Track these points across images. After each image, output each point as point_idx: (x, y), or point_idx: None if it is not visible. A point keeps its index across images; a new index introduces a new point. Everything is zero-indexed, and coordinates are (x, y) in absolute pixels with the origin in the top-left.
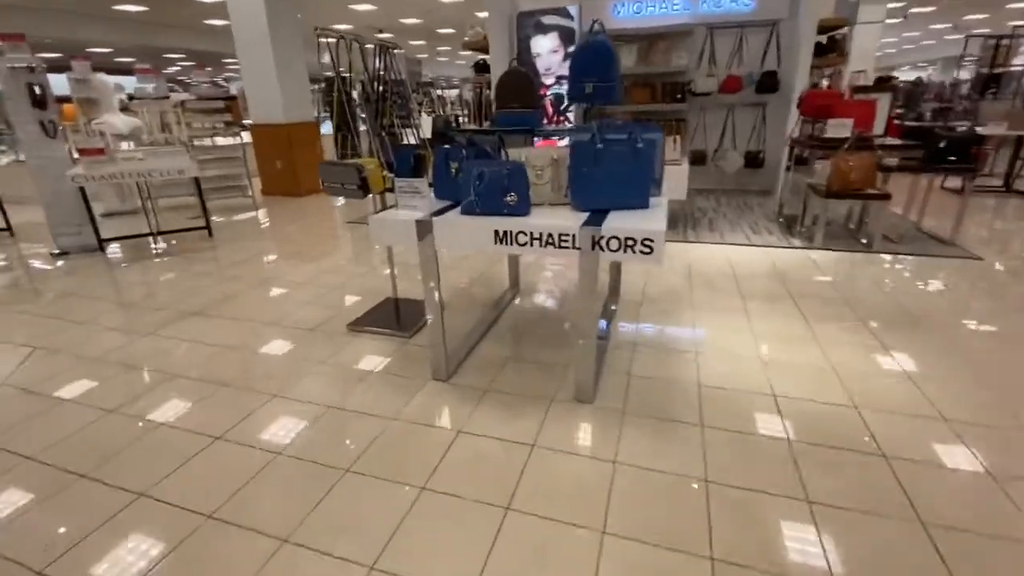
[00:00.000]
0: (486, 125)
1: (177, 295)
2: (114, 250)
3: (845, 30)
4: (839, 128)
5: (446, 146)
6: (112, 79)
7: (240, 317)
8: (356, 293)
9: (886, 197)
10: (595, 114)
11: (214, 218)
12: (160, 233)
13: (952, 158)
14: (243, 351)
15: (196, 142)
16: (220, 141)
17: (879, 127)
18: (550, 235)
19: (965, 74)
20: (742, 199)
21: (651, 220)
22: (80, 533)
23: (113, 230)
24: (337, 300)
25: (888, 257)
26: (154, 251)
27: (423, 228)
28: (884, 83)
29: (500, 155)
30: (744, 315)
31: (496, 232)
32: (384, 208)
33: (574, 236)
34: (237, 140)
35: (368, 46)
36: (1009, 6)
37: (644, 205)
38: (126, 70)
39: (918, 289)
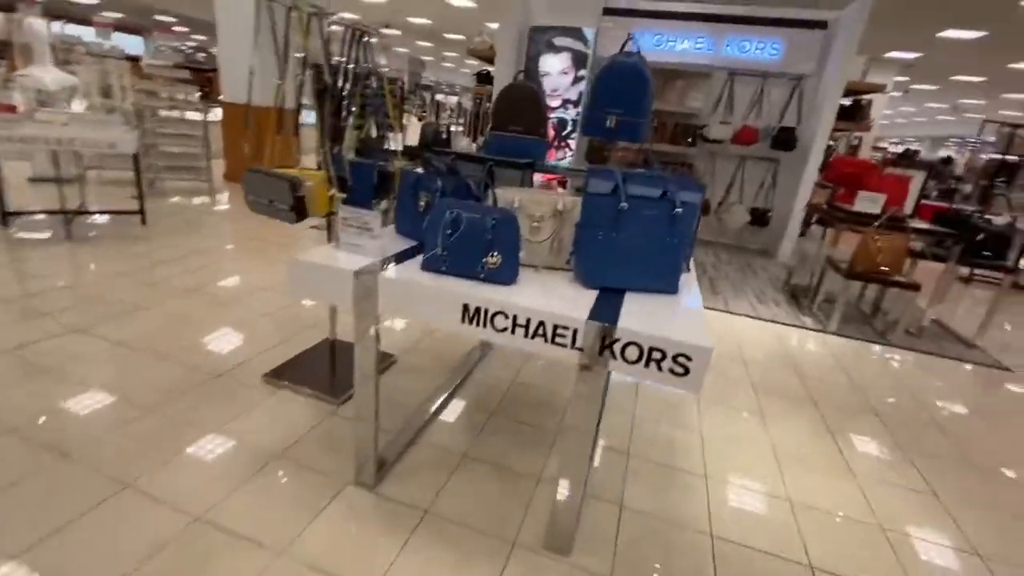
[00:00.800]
0: (475, 148)
1: (69, 299)
2: (22, 225)
3: (871, 97)
4: (870, 202)
5: (417, 170)
6: (64, 28)
7: (134, 342)
8: (291, 326)
9: (915, 288)
10: (597, 147)
11: (158, 201)
12: (81, 213)
13: (987, 253)
14: (113, 398)
15: (164, 113)
16: (191, 116)
17: (909, 206)
18: (541, 323)
19: (955, 154)
20: (743, 258)
21: (687, 320)
22: None
23: (31, 199)
24: (264, 333)
25: (911, 356)
26: (68, 234)
27: (363, 284)
28: (911, 158)
29: (486, 194)
30: (760, 419)
31: (465, 307)
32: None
33: (576, 331)
34: (205, 117)
35: (334, 28)
36: (1004, 95)
37: (672, 289)
38: (104, 24)
39: (956, 407)
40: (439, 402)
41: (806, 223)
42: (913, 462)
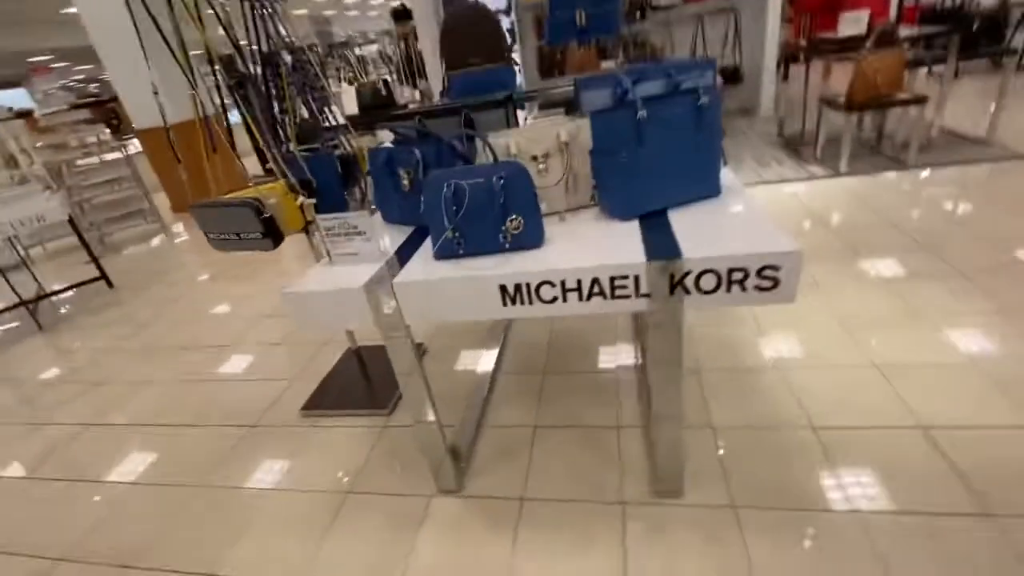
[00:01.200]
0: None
1: (67, 393)
2: None
3: None
4: (854, 23)
5: (385, 145)
6: None
7: (152, 420)
8: (307, 348)
9: (922, 101)
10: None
11: (115, 257)
12: (42, 298)
13: (982, 40)
14: (154, 487)
15: (81, 162)
16: (109, 157)
17: (893, 14)
18: (595, 280)
19: None
20: (726, 122)
21: (752, 223)
22: None
23: None
24: (281, 364)
25: (931, 174)
26: (38, 324)
27: (378, 298)
28: None
29: (472, 149)
30: (806, 289)
31: (503, 289)
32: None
33: (637, 277)
34: (123, 154)
35: (227, 8)
36: None
37: (715, 191)
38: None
39: (995, 214)
40: (488, 379)
41: (785, 66)
42: (975, 283)
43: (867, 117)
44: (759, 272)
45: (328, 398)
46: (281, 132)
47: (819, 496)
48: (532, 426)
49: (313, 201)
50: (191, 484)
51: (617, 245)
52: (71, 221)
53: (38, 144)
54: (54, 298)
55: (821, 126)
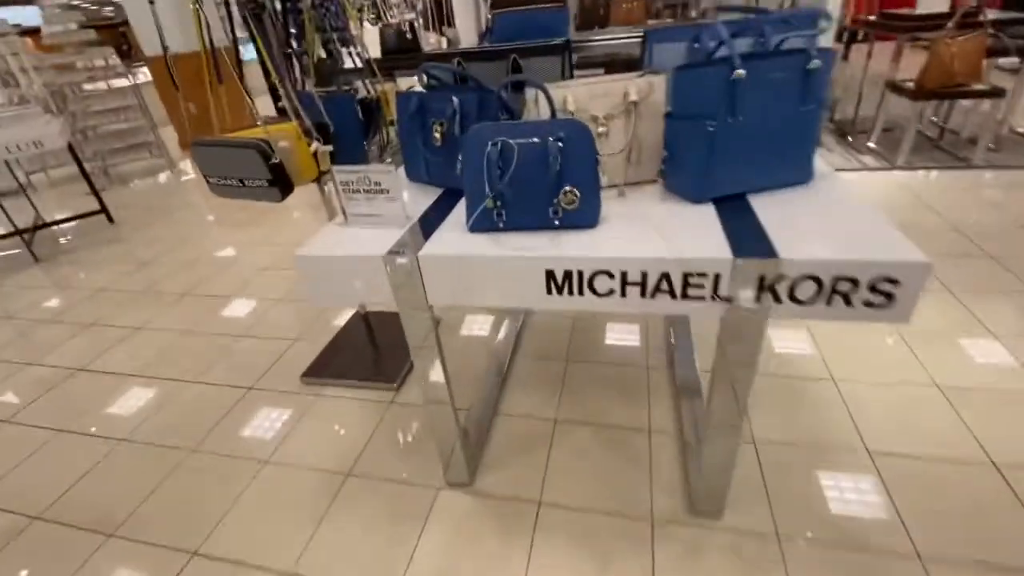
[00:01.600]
0: (444, 44)
1: (61, 334)
2: None
3: None
4: (934, 0)
5: (415, 89)
6: None
7: (145, 372)
8: (312, 307)
9: (999, 94)
10: (590, 7)
11: (119, 191)
12: (40, 227)
13: None
14: (141, 446)
15: (89, 87)
16: (117, 84)
17: None
18: (664, 276)
19: None
20: None
21: (864, 221)
22: None
23: None
24: (285, 322)
25: (999, 176)
26: (33, 256)
27: (400, 271)
28: None
29: (518, 101)
30: None
31: (551, 275)
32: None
33: (717, 277)
34: (129, 81)
35: None
36: None
37: (807, 176)
38: None
39: None
40: (506, 362)
41: (847, 45)
42: None
43: (929, 107)
44: (872, 286)
45: (332, 365)
46: (298, 68)
47: (875, 535)
48: (552, 419)
49: (329, 148)
50: (180, 447)
51: (692, 234)
52: (71, 149)
53: (47, 64)
54: (54, 228)
55: (880, 113)
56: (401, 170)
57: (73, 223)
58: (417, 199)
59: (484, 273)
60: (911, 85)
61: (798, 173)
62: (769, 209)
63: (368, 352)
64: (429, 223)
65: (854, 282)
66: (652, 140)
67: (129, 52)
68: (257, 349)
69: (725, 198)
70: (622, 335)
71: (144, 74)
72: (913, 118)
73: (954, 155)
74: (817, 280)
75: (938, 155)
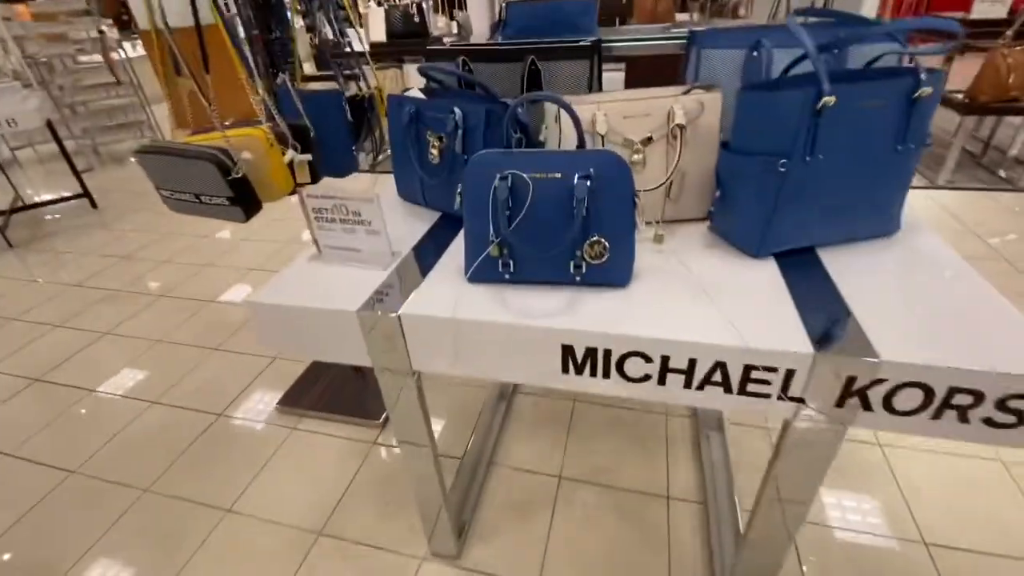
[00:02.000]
0: (455, 29)
1: (18, 338)
2: None
3: None
4: (992, 6)
5: (411, 93)
6: None
7: (109, 390)
8: None
9: None
10: None
11: (109, 172)
12: (17, 210)
13: None
14: (91, 481)
15: (83, 57)
16: (111, 57)
17: None
18: (719, 365)
19: None
20: None
21: (979, 298)
22: None
23: None
24: None
25: None
26: (7, 241)
27: (378, 333)
28: None
29: (535, 115)
30: None
31: (568, 351)
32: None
33: (790, 374)
34: (125, 55)
35: None
36: None
37: (895, 226)
38: None
39: None
40: (503, 402)
41: None
42: None
43: (971, 122)
44: (1001, 402)
45: (311, 394)
46: (279, 57)
47: None
48: (556, 476)
49: (307, 158)
50: (132, 484)
51: (753, 305)
52: (51, 127)
53: (27, 34)
54: (33, 211)
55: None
56: (392, 186)
57: (55, 206)
58: (410, 224)
59: (483, 341)
60: (960, 97)
61: (883, 223)
62: (848, 272)
63: (352, 381)
64: (421, 261)
65: (977, 396)
66: (697, 171)
67: (129, 23)
68: (232, 366)
69: (790, 251)
70: None
71: (138, 48)
72: (960, 133)
73: (996, 175)
74: (927, 389)
75: (982, 175)
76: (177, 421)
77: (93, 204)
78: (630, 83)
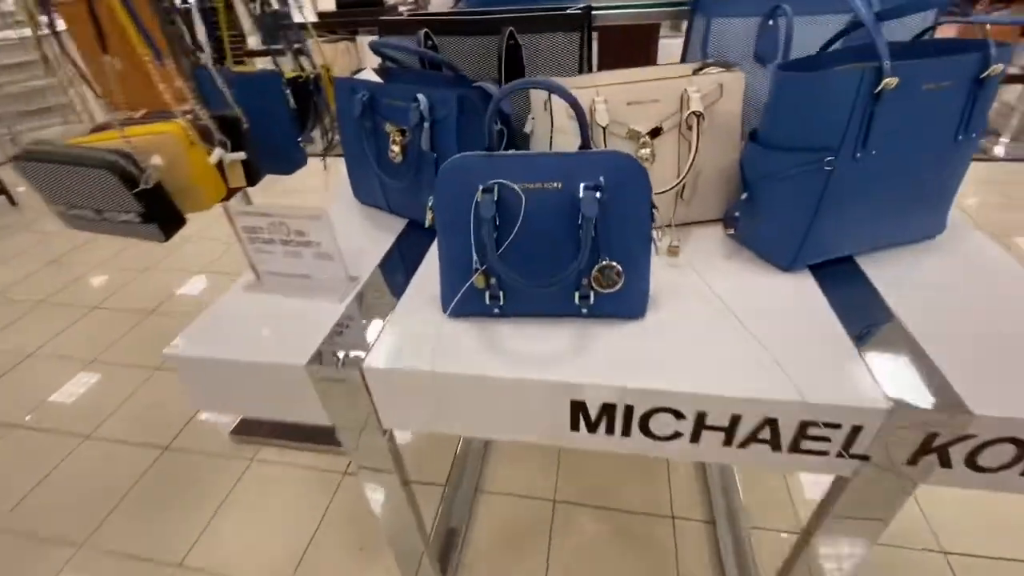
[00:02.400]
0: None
1: None
2: None
3: None
4: None
5: (362, 75)
6: None
7: (26, 413)
8: None
9: None
10: None
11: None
12: None
13: None
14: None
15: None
16: (26, 32)
17: None
18: (769, 422)
19: None
20: None
21: None
22: None
23: None
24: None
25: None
26: None
27: (337, 390)
28: None
29: (512, 100)
30: None
31: (580, 409)
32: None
33: (856, 430)
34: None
35: None
36: None
37: (940, 226)
38: None
39: None
40: None
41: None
42: None
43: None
44: None
45: (270, 420)
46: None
47: None
48: (551, 500)
49: (240, 156)
50: (65, 540)
51: (800, 342)
52: None
53: None
54: None
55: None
56: (347, 187)
57: None
58: (371, 235)
59: (471, 396)
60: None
61: (929, 226)
62: (900, 288)
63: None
64: (388, 284)
65: None
66: (714, 167)
67: None
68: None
69: (824, 261)
70: None
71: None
72: (1022, 100)
73: None
74: (1020, 444)
75: None
76: (115, 457)
77: (12, 201)
78: (604, 58)
